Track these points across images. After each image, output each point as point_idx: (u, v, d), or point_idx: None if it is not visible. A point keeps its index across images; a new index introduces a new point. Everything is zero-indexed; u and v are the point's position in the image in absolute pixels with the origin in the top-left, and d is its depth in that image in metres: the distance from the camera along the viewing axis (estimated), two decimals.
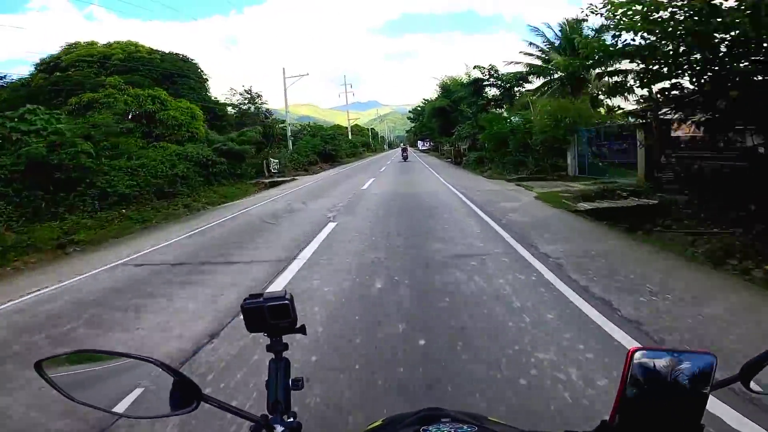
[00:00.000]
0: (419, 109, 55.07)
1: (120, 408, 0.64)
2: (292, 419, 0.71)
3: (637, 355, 0.54)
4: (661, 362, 0.54)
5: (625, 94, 11.35)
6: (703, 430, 0.54)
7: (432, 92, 52.74)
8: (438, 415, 0.74)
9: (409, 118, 57.42)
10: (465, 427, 0.66)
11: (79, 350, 0.67)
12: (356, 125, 69.56)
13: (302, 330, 0.80)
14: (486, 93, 25.76)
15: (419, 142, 68.83)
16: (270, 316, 0.74)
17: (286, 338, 0.79)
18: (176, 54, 24.89)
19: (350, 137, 50.07)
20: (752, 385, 0.61)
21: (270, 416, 0.70)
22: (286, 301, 0.75)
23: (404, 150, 38.02)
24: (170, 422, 2.14)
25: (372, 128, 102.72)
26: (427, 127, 48.14)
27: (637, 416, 0.54)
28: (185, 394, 0.64)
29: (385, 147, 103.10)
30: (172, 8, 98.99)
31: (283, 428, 0.68)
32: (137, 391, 0.98)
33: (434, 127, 41.38)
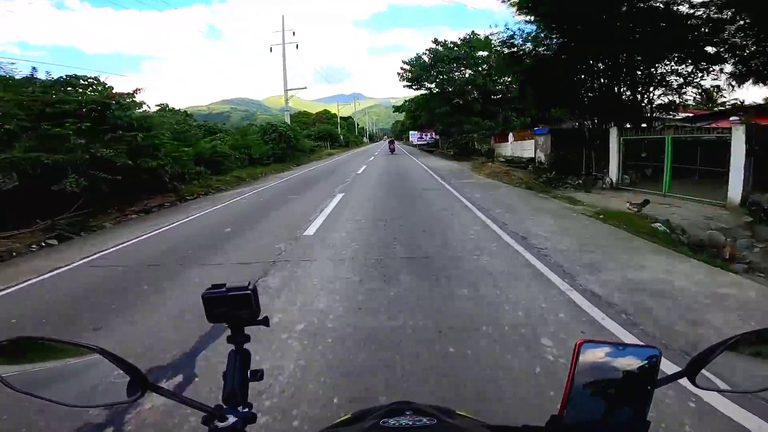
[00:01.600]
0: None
1: (63, 397, 0.62)
2: (246, 409, 0.70)
3: (584, 347, 0.54)
4: (606, 355, 0.54)
5: None
6: (649, 426, 0.54)
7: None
8: (404, 408, 0.74)
9: (396, 108, 46.21)
10: (425, 419, 0.67)
11: (20, 337, 0.61)
12: (325, 110, 63.87)
13: (265, 322, 0.78)
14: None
15: (414, 134, 50.05)
16: (232, 306, 0.73)
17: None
18: None
19: (289, 122, 28.61)
20: (698, 380, 0.60)
21: (224, 406, 0.68)
22: (249, 292, 0.73)
23: (391, 143, 40.18)
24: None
25: (349, 117, 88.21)
26: (434, 114, 32.49)
27: (585, 410, 0.54)
28: (131, 382, 0.62)
29: (365, 140, 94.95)
30: None
31: (236, 419, 0.66)
32: (82, 380, 0.93)
33: (441, 112, 30.36)
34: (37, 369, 0.63)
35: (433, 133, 43.24)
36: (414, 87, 32.76)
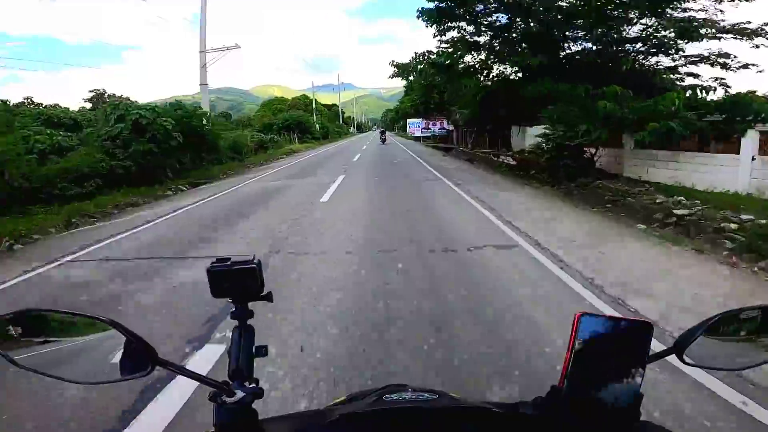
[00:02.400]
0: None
1: (70, 374, 0.57)
2: (254, 385, 0.68)
3: (583, 320, 0.55)
4: (603, 328, 0.55)
5: None
6: (642, 398, 0.56)
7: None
8: (401, 390, 0.76)
9: (399, 71, 30.51)
10: (426, 395, 0.71)
11: (27, 309, 0.57)
12: (304, 96, 49.63)
13: (269, 297, 0.76)
14: None
15: (414, 122, 34.79)
16: (236, 280, 0.71)
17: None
18: None
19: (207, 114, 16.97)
20: (685, 357, 0.62)
21: (231, 382, 0.67)
22: (254, 266, 0.71)
23: (382, 133, 37.55)
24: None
25: (334, 104, 69.51)
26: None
27: (583, 381, 0.56)
28: (140, 357, 0.58)
29: (352, 130, 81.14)
30: None
31: (244, 394, 0.64)
32: (90, 354, 0.63)
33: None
34: (43, 344, 0.60)
35: (445, 123, 29.90)
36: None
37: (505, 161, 14.74)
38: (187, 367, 0.87)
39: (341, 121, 59.90)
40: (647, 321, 0.58)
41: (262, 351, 0.74)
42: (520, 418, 0.62)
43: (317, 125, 39.67)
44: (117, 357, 0.59)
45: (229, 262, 0.71)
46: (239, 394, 0.64)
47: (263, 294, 0.74)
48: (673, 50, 11.80)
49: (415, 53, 16.90)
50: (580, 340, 0.55)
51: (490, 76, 15.34)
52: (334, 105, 70.42)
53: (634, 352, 0.55)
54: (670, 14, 10.66)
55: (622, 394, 0.55)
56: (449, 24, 13.76)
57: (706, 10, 10.59)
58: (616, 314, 2.64)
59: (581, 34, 12.23)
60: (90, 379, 0.60)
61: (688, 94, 8.54)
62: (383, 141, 33.15)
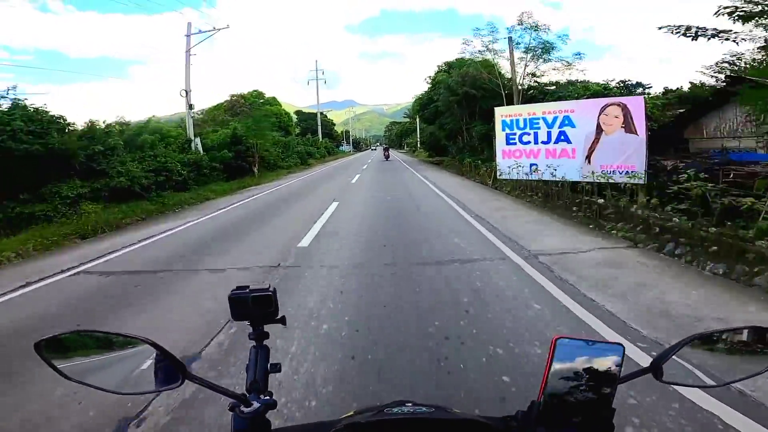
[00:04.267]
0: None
1: (111, 385, 0.67)
2: (268, 397, 0.74)
3: (559, 342, 0.60)
4: (578, 350, 0.60)
5: None
6: (614, 412, 0.61)
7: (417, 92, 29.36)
8: (405, 402, 0.80)
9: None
10: (424, 408, 0.74)
11: (77, 330, 0.69)
12: (277, 107, 35.98)
13: (282, 321, 0.84)
14: None
15: None
16: (254, 306, 0.79)
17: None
18: None
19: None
20: (661, 376, 0.67)
21: (248, 395, 0.74)
22: (270, 293, 0.79)
23: (386, 149, 37.92)
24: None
25: (322, 114, 52.50)
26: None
27: (559, 398, 0.60)
28: (171, 372, 0.67)
29: (344, 148, 71.06)
30: (132, 2, 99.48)
31: (259, 404, 0.71)
32: (129, 369, 0.75)
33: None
34: (89, 359, 0.69)
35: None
36: None
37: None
38: None
39: (328, 137, 46.97)
40: (619, 343, 0.61)
41: (276, 368, 0.81)
42: (506, 430, 0.67)
43: (265, 152, 33.25)
44: (152, 371, 0.68)
45: (247, 290, 0.80)
46: (255, 405, 0.71)
47: (278, 318, 0.83)
48: None
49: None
50: (558, 360, 0.60)
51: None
52: (322, 114, 53.91)
53: (607, 371, 0.60)
54: None
55: (596, 409, 0.60)
56: None
57: None
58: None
59: None
60: (128, 390, 0.70)
61: None
62: (387, 158, 33.39)
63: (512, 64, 14.89)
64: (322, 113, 61.78)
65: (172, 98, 22.00)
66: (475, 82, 15.93)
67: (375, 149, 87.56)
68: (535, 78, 15.43)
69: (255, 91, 39.37)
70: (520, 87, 14.81)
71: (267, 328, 0.82)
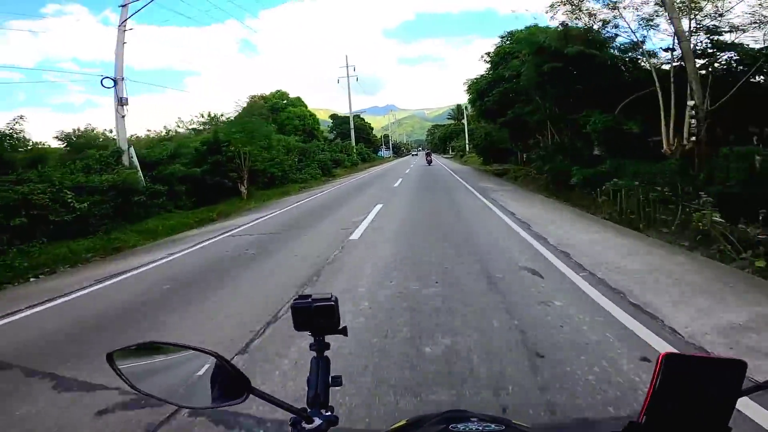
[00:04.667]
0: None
1: (179, 398, 0.69)
2: (330, 413, 0.73)
3: (667, 358, 0.55)
4: (691, 367, 0.55)
5: None
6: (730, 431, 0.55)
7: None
8: (462, 416, 0.76)
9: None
10: (493, 425, 0.70)
11: (146, 342, 0.71)
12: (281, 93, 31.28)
13: (344, 331, 0.82)
14: None
15: None
16: (316, 316, 0.77)
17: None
18: None
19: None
20: None
21: (309, 410, 0.72)
22: (332, 303, 0.77)
23: (428, 154, 36.46)
24: None
25: (356, 116, 46.96)
26: None
27: (665, 418, 0.55)
28: (236, 386, 0.66)
29: (384, 153, 65.02)
30: (185, 15, 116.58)
31: (321, 421, 0.70)
32: (196, 381, 0.74)
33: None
34: (157, 370, 0.70)
35: None
36: None
37: None
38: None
39: (354, 141, 37.98)
40: (740, 359, 0.55)
41: (338, 381, 0.79)
42: None
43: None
44: (216, 383, 0.67)
45: (310, 300, 0.78)
46: (317, 421, 0.70)
47: (339, 328, 0.80)
48: None
49: None
50: (664, 378, 0.54)
51: None
52: (358, 117, 48.47)
53: (723, 389, 0.54)
54: None
55: (708, 429, 0.55)
56: None
57: None
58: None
59: None
60: (195, 404, 0.77)
61: None
62: (429, 163, 31.64)
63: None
64: (357, 116, 56.18)
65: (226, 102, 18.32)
66: (589, 41, 9.06)
67: (416, 154, 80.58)
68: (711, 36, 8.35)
69: (278, 91, 34.49)
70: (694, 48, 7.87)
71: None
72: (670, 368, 0.54)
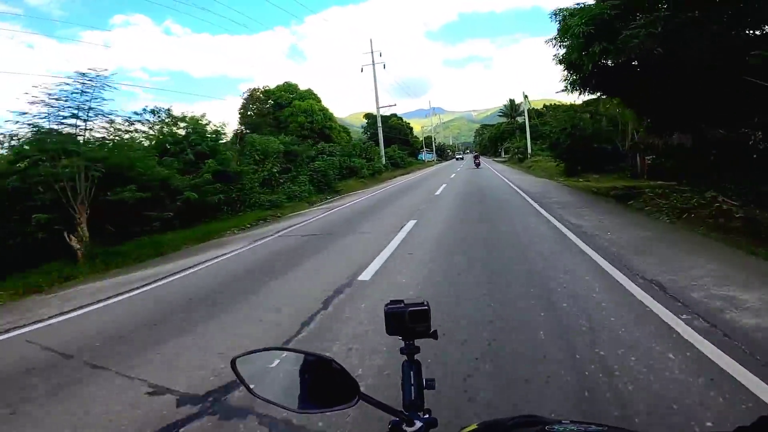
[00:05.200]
0: None
1: (293, 403, 0.71)
2: (428, 416, 0.75)
3: None
4: None
5: None
6: None
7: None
8: (541, 421, 0.74)
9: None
10: (593, 426, 0.70)
11: (266, 348, 0.75)
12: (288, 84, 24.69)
13: (434, 335, 0.82)
14: None
15: None
16: (409, 320, 0.79)
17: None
18: None
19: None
20: None
21: (407, 413, 0.73)
22: (425, 308, 0.79)
23: (476, 157, 34.38)
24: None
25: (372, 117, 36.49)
26: None
27: None
28: (347, 390, 0.69)
29: (426, 156, 56.29)
30: (237, 22, 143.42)
31: (421, 423, 0.71)
32: (308, 385, 0.75)
33: None
34: (275, 375, 0.76)
35: None
36: None
37: None
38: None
39: (382, 142, 29.08)
40: None
41: (431, 384, 0.80)
42: None
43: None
44: (328, 388, 0.70)
45: (402, 305, 0.79)
46: (417, 424, 0.71)
47: (430, 332, 0.81)
48: None
49: None
50: None
51: None
52: (373, 117, 35.57)
53: None
54: None
55: None
56: None
57: None
58: None
59: None
60: (307, 409, 0.73)
61: None
62: (477, 165, 30.16)
63: None
64: (394, 115, 48.24)
65: None
66: None
67: (461, 157, 69.02)
68: None
69: (285, 83, 27.67)
70: None
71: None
72: None
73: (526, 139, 35.17)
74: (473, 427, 0.80)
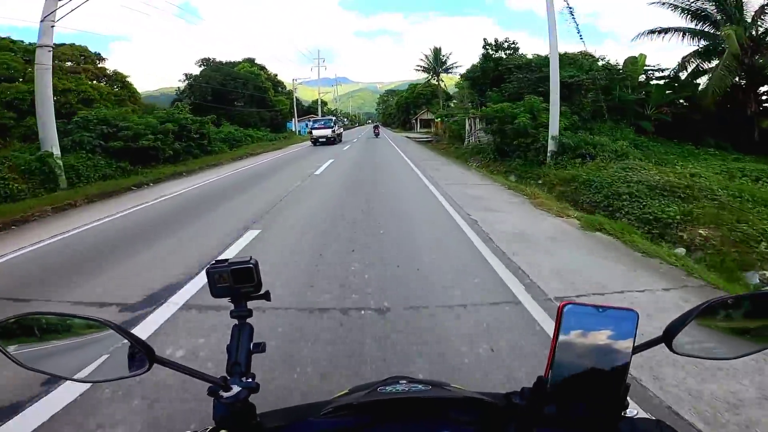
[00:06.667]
0: None
1: (71, 373, 0.61)
2: (250, 380, 0.69)
3: (566, 309, 0.54)
4: (588, 317, 0.54)
5: None
6: (629, 388, 0.55)
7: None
8: (399, 379, 0.77)
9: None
10: (420, 386, 0.71)
11: (31, 313, 0.62)
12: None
13: (266, 296, 0.78)
14: None
15: None
16: (234, 280, 0.73)
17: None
18: None
19: None
20: (675, 346, 0.61)
21: (229, 378, 0.68)
22: (251, 266, 0.73)
23: (376, 128, 37.00)
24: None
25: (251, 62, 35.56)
26: None
27: (569, 372, 0.55)
28: (140, 356, 0.63)
29: (310, 127, 27.73)
30: None
31: (240, 388, 0.67)
32: (90, 354, 0.66)
33: None
34: (46, 345, 0.63)
35: None
36: None
37: None
38: None
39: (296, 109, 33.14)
40: (631, 309, 0.55)
41: (260, 348, 0.74)
42: (509, 407, 0.62)
43: None
44: (116, 355, 0.62)
45: (226, 264, 0.73)
46: (235, 389, 0.66)
47: (261, 293, 0.76)
48: None
49: None
50: (565, 329, 0.54)
51: None
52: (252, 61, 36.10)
53: (619, 340, 0.54)
54: None
55: (608, 384, 0.54)
56: None
57: None
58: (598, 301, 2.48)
59: None
60: (92, 378, 0.64)
61: None
62: (376, 135, 33.55)
63: None
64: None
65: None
66: None
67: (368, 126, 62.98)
68: None
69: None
70: None
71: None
72: (568, 318, 0.54)
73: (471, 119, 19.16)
74: (345, 391, 0.84)
